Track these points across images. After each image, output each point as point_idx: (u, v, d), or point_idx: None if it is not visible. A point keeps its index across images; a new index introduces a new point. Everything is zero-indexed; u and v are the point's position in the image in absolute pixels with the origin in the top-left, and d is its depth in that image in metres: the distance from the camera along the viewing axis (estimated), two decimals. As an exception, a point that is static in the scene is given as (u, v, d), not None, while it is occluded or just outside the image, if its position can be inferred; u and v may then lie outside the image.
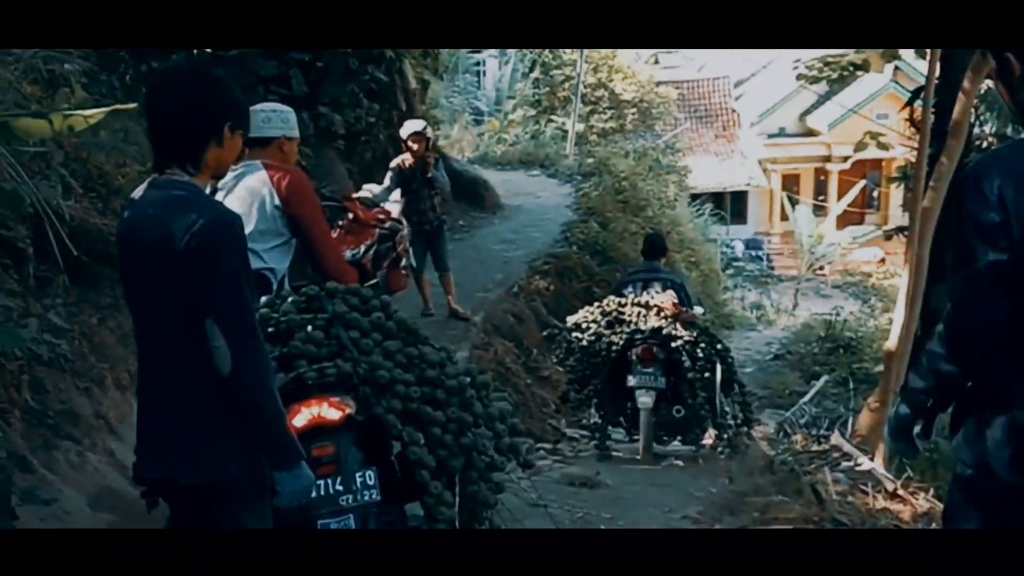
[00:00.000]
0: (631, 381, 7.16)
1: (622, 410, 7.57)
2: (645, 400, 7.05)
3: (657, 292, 7.56)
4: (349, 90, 10.65)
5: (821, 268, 30.15)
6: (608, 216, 14.22)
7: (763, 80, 35.29)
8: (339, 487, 3.15)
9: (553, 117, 24.66)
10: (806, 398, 10.82)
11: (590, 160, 18.30)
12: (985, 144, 10.73)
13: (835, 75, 14.10)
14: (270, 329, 3.32)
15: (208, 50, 9.14)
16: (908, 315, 7.63)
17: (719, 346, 7.53)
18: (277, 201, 3.99)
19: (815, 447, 7.91)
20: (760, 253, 33.10)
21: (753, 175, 34.37)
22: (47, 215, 5.51)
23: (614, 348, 7.32)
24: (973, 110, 10.46)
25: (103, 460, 4.58)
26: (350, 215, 8.56)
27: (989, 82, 10.68)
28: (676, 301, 7.21)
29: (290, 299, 3.48)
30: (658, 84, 27.48)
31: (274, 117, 4.08)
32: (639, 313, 7.35)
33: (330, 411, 3.19)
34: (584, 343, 7.53)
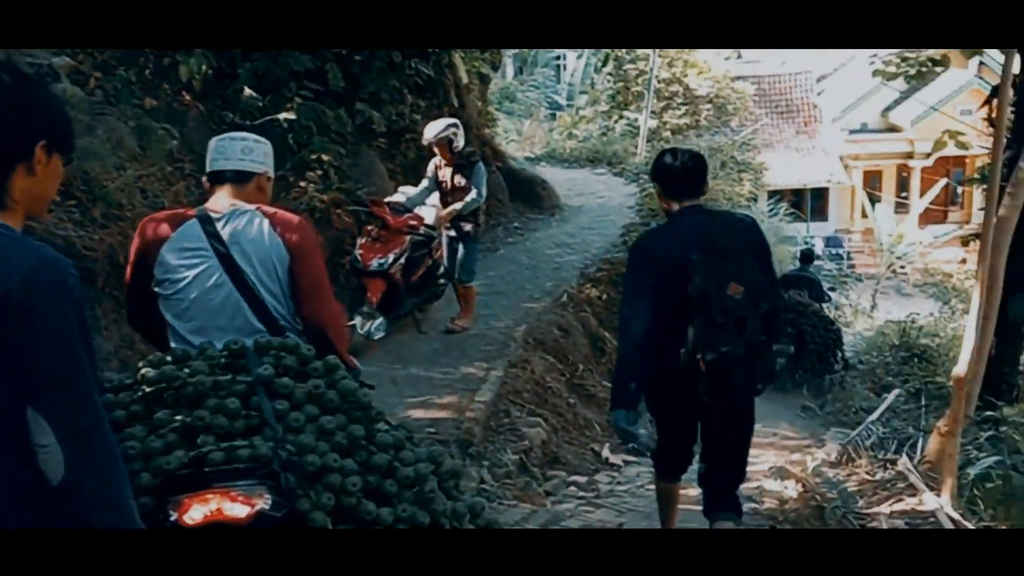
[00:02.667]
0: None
1: None
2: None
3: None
4: (391, 85, 10.30)
5: (902, 267, 29.24)
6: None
7: (845, 75, 34.29)
8: None
9: (626, 113, 24.08)
10: (874, 415, 10.14)
11: (660, 158, 17.69)
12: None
13: (913, 71, 13.39)
14: (167, 395, 2.70)
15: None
16: (981, 334, 7.01)
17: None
18: (285, 257, 3.20)
19: (879, 474, 7.41)
20: (840, 251, 32.19)
21: (834, 171, 33.48)
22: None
23: None
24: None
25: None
26: (379, 221, 8.31)
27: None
28: None
29: (207, 354, 2.83)
30: (735, 79, 26.62)
31: (256, 148, 3.34)
32: None
33: (234, 507, 2.56)
34: None
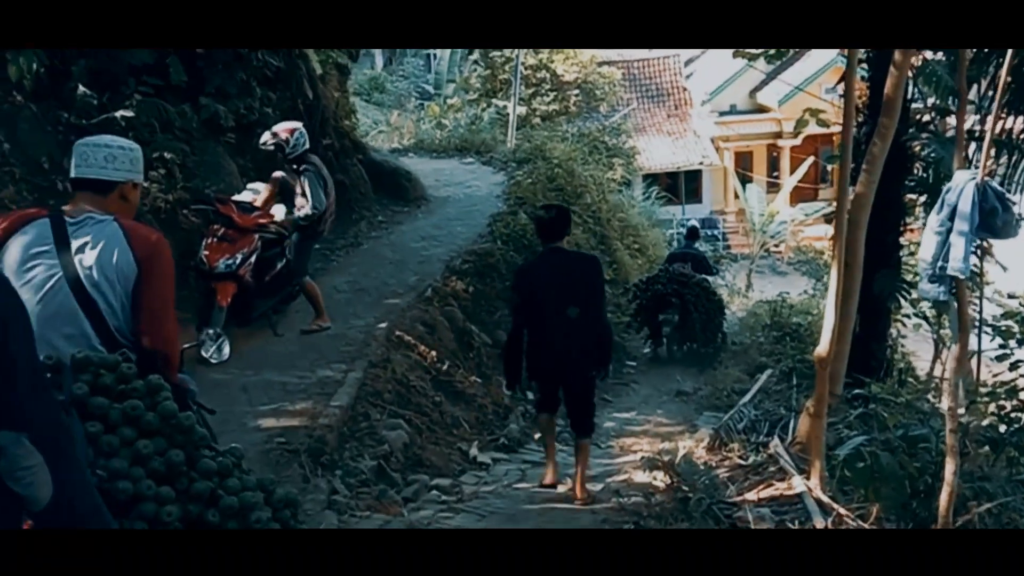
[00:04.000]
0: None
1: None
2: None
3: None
4: (238, 78, 9.81)
5: (776, 246, 29.85)
6: (538, 206, 13.35)
7: (712, 57, 34.84)
8: None
9: (494, 101, 23.79)
10: (745, 398, 10.10)
11: (527, 145, 17.47)
12: (926, 119, 10.08)
13: (772, 51, 13.49)
14: None
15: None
16: (841, 313, 6.93)
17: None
18: (133, 273, 3.06)
19: (752, 458, 7.33)
20: (716, 232, 32.67)
21: (707, 153, 33.95)
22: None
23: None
24: (913, 84, 9.82)
25: None
26: (225, 220, 7.83)
27: (928, 53, 10.08)
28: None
29: None
30: (601, 64, 26.61)
31: (120, 156, 3.19)
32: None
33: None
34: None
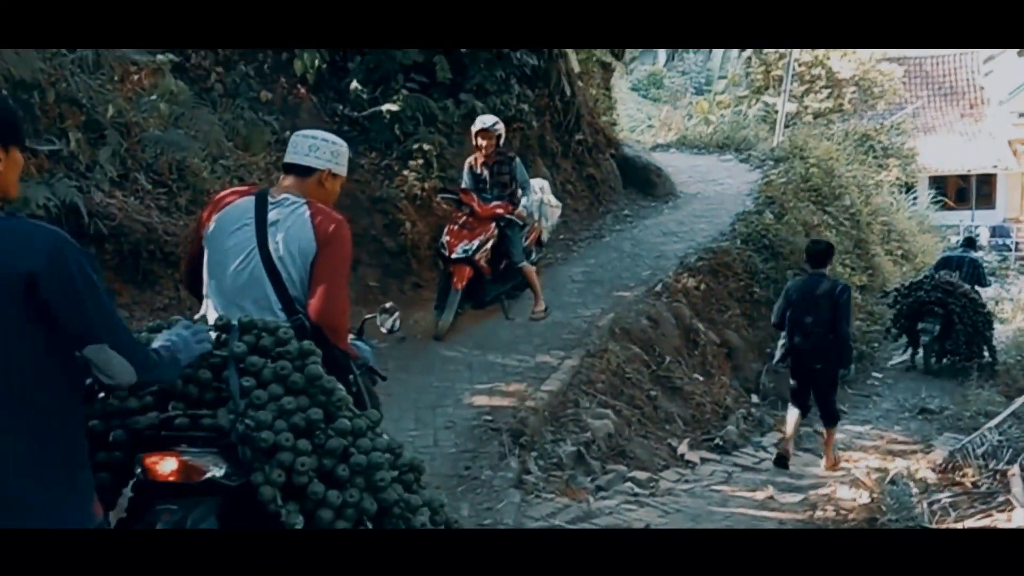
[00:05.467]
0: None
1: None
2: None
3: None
4: (496, 76, 10.36)
5: (1074, 260, 27.30)
6: (787, 206, 13.06)
7: (1014, 56, 32.15)
8: None
9: (764, 98, 23.27)
10: (994, 421, 9.41)
11: (788, 143, 17.01)
12: None
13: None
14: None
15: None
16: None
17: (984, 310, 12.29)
18: (312, 248, 3.38)
19: (985, 485, 6.92)
20: (1007, 241, 30.26)
21: (1001, 156, 31.48)
22: (61, 213, 5.51)
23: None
24: None
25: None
26: (467, 209, 8.31)
27: None
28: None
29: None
30: (882, 60, 25.31)
31: (323, 147, 3.56)
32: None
33: (188, 470, 2.76)
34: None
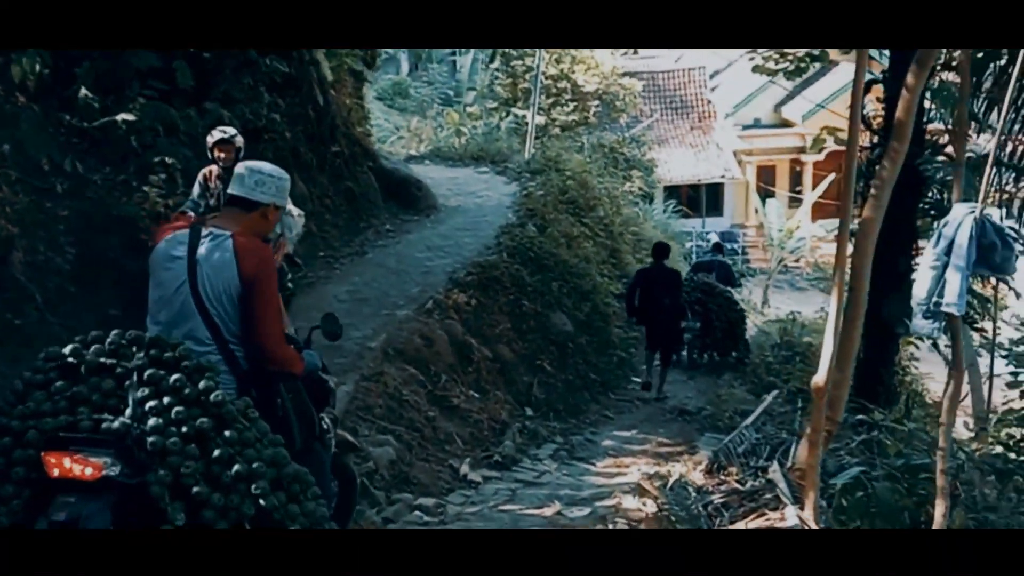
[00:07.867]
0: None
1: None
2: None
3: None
4: (245, 83, 9.75)
5: (795, 262, 29.57)
6: (548, 218, 13.24)
7: (737, 71, 34.58)
8: None
9: (515, 110, 23.66)
10: (748, 420, 9.91)
11: (541, 156, 17.33)
12: (942, 141, 9.87)
13: (792, 67, 13.32)
14: (71, 360, 3.29)
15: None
16: (843, 339, 6.74)
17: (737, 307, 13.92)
18: (236, 285, 3.54)
19: (750, 483, 7.17)
20: (736, 246, 32.40)
21: (728, 167, 33.72)
22: None
23: None
24: (931, 104, 9.63)
25: None
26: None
27: (946, 75, 9.87)
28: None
29: (108, 340, 3.34)
30: (623, 75, 26.43)
31: (268, 182, 3.71)
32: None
33: (84, 469, 3.09)
34: None
